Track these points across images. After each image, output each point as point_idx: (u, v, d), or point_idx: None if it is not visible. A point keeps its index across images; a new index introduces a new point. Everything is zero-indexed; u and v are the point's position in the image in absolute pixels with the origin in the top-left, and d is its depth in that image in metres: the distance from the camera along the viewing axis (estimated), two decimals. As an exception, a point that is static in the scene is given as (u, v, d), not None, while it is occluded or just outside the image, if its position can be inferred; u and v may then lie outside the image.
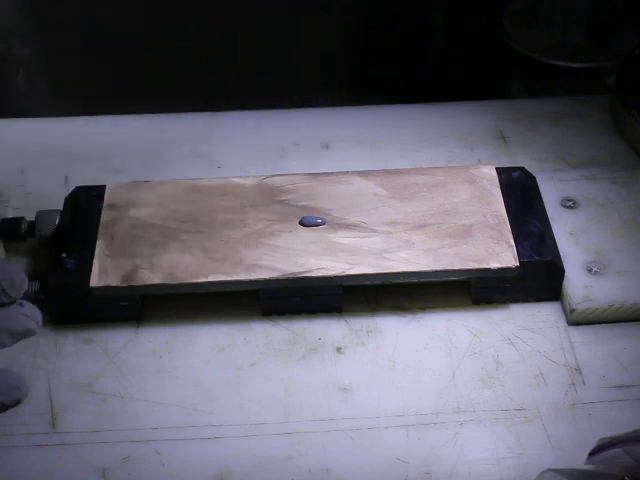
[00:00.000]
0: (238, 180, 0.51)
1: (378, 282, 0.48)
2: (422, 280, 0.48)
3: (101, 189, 0.51)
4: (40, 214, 0.51)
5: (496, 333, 0.48)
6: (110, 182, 0.52)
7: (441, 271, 0.47)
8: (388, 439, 0.43)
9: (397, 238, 0.48)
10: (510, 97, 0.72)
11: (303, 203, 0.50)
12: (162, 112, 0.62)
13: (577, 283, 0.48)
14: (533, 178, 0.53)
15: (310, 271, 0.47)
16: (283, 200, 0.50)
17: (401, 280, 0.47)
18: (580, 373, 0.46)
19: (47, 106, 0.77)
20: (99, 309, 0.48)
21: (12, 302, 0.42)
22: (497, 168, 0.52)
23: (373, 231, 0.48)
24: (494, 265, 0.47)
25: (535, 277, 0.48)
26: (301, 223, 0.49)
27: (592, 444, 0.38)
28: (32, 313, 0.43)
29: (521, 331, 0.48)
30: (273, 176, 0.52)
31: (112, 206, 0.50)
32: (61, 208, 0.51)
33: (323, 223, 0.49)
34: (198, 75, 0.77)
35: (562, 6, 0.74)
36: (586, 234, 0.51)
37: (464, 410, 0.44)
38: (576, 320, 0.48)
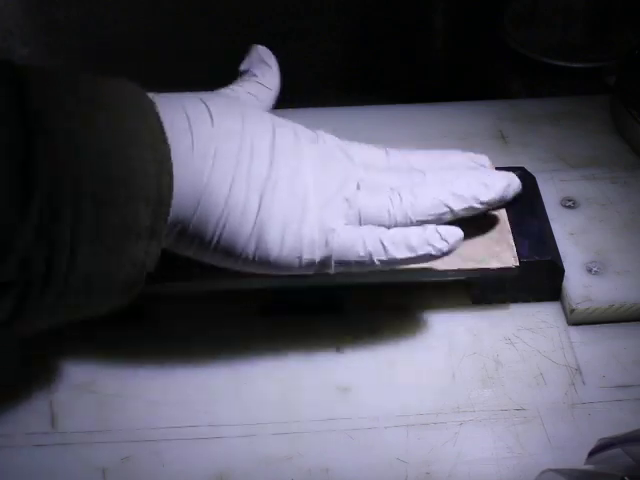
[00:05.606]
0: (238, 180, 0.51)
1: (378, 282, 0.48)
2: (422, 280, 0.48)
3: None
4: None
5: (496, 333, 0.48)
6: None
7: (441, 271, 0.47)
8: (388, 439, 0.43)
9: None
10: (510, 97, 0.72)
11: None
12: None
13: (577, 283, 0.48)
14: (533, 178, 0.53)
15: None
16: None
17: (401, 280, 0.47)
18: (580, 373, 0.46)
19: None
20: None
21: None
22: (497, 168, 0.52)
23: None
24: (494, 265, 0.47)
25: (535, 277, 0.48)
26: None
27: (592, 444, 0.38)
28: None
29: (521, 331, 0.48)
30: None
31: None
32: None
33: None
34: (198, 75, 0.77)
35: (562, 6, 0.74)
36: (586, 234, 0.51)
37: (464, 410, 0.44)
38: (576, 320, 0.48)
